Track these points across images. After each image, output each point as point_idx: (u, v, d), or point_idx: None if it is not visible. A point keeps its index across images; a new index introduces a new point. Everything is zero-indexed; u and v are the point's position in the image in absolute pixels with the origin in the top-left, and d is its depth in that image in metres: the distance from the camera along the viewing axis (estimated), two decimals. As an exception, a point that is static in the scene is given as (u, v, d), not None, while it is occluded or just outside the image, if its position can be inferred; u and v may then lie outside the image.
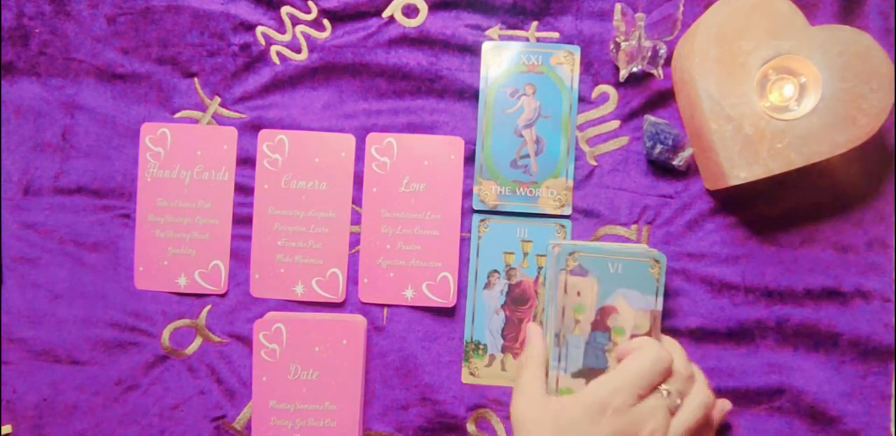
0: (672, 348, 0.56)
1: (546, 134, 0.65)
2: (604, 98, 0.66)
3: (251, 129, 0.67)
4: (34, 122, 0.67)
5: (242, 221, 0.66)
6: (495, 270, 0.65)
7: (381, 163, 0.66)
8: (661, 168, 0.65)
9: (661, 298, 0.60)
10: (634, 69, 0.64)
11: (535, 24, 0.66)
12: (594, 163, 0.66)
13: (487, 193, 0.65)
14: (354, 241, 0.66)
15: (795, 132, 0.58)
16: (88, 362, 0.66)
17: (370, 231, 0.66)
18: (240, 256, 0.66)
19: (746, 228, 0.65)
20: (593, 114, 0.66)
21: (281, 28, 0.67)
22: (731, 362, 0.64)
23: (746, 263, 0.64)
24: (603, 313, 0.60)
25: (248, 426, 0.65)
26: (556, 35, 0.66)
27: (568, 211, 0.65)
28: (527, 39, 0.66)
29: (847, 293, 0.64)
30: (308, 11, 0.67)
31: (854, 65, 0.58)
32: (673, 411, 0.52)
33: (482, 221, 0.65)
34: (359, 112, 0.67)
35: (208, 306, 0.66)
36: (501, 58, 0.66)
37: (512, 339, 0.65)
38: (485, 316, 0.65)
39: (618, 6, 0.63)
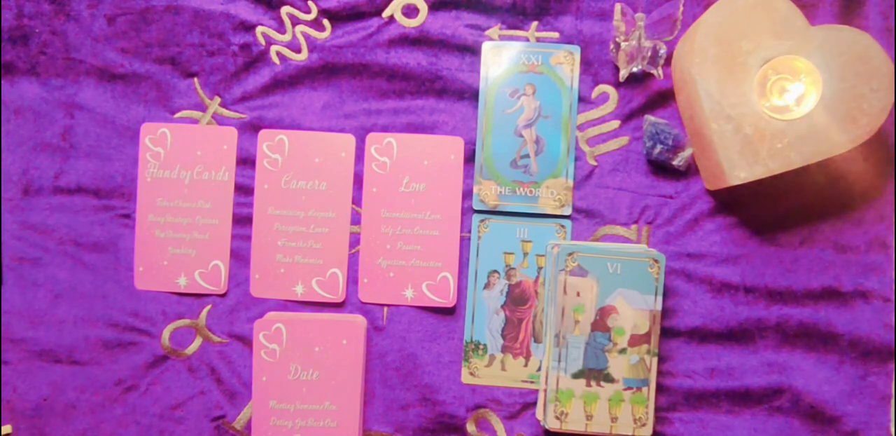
0: None
1: (546, 134, 0.65)
2: (604, 98, 0.66)
3: (251, 129, 0.67)
4: (34, 122, 0.67)
5: (242, 221, 0.66)
6: (495, 271, 0.65)
7: (381, 163, 0.66)
8: (661, 168, 0.65)
9: (660, 298, 0.60)
10: (634, 69, 0.64)
11: (535, 24, 0.66)
12: (594, 163, 0.66)
13: (487, 193, 0.65)
14: (354, 241, 0.66)
15: (795, 132, 0.58)
16: (88, 362, 0.66)
17: (370, 231, 0.66)
18: (240, 256, 0.66)
19: (746, 228, 0.65)
20: (593, 114, 0.66)
21: (281, 28, 0.67)
22: (731, 361, 0.64)
23: (746, 263, 0.64)
24: (603, 313, 0.60)
25: (248, 426, 0.65)
26: (556, 35, 0.66)
27: (568, 211, 0.65)
28: (527, 39, 0.66)
29: (847, 293, 0.64)
30: (308, 11, 0.67)
31: (854, 65, 0.57)
32: None
33: (482, 221, 0.65)
34: (359, 112, 0.67)
35: (208, 306, 0.66)
36: (501, 58, 0.66)
37: (512, 339, 0.65)
38: (485, 316, 0.65)
39: (618, 6, 0.63)
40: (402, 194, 0.66)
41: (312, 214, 0.66)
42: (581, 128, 0.66)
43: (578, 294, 0.60)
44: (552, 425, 0.61)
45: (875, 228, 0.64)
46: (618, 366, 0.60)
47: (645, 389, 0.60)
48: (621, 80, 0.65)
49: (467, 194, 0.66)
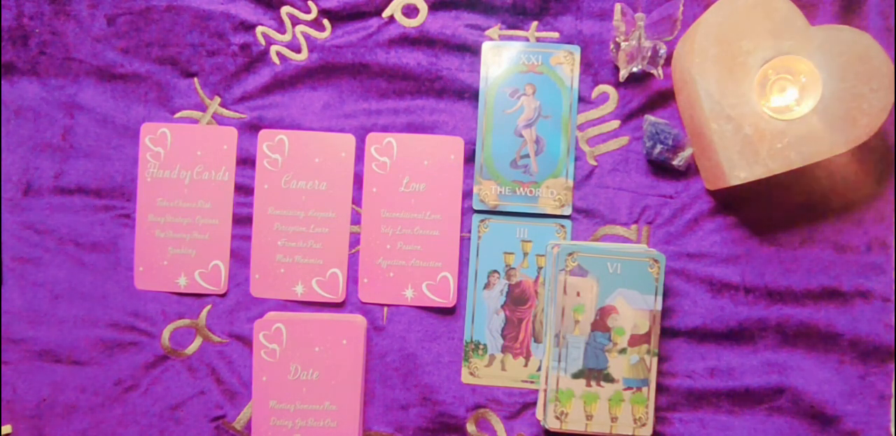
0: None
1: (546, 134, 0.65)
2: (604, 98, 0.66)
3: (251, 129, 0.67)
4: (34, 122, 0.67)
5: (242, 221, 0.66)
6: (495, 270, 0.65)
7: (381, 163, 0.66)
8: (661, 168, 0.65)
9: (660, 298, 0.60)
10: (634, 69, 0.64)
11: (535, 24, 0.66)
12: (594, 163, 0.66)
13: (487, 193, 0.65)
14: (354, 241, 0.66)
15: (795, 132, 0.58)
16: (88, 362, 0.66)
17: (370, 231, 0.66)
18: (240, 256, 0.66)
19: (746, 228, 0.65)
20: (593, 114, 0.66)
21: (281, 28, 0.67)
22: (731, 361, 0.64)
23: (746, 263, 0.64)
24: (603, 313, 0.60)
25: (248, 426, 0.65)
26: (556, 35, 0.66)
27: (568, 211, 0.65)
28: (527, 39, 0.66)
29: (847, 293, 0.64)
30: (308, 11, 0.67)
31: (854, 65, 0.57)
32: None
33: (482, 221, 0.65)
34: (359, 112, 0.67)
35: (208, 306, 0.66)
36: (501, 58, 0.66)
37: (512, 339, 0.65)
38: (485, 316, 0.65)
39: (618, 6, 0.63)
40: (402, 194, 0.66)
41: (312, 214, 0.66)
42: (581, 128, 0.66)
43: (578, 294, 0.60)
44: (552, 425, 0.61)
45: (875, 228, 0.64)
46: (618, 366, 0.60)
47: (645, 389, 0.60)
48: (621, 80, 0.65)
49: (467, 194, 0.66)
